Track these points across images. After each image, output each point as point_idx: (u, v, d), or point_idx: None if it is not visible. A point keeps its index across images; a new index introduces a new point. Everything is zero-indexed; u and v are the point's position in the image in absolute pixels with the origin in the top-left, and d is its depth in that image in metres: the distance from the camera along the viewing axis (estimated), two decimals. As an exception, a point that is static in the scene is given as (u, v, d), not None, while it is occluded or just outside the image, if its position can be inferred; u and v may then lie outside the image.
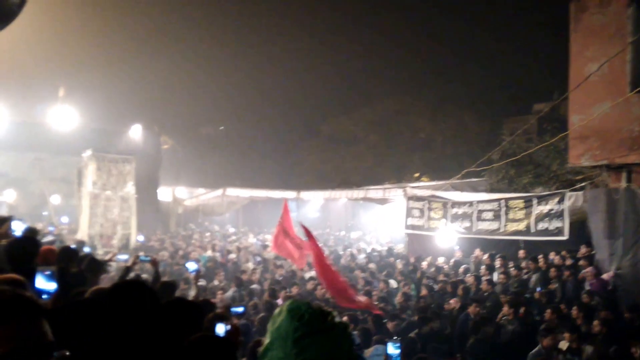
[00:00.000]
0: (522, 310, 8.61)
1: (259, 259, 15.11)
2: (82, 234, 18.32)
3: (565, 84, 11.06)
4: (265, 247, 17.90)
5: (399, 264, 13.80)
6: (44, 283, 3.11)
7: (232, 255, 15.75)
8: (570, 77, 10.60)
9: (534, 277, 10.75)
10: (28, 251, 4.31)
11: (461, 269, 12.60)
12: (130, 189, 19.96)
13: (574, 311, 8.12)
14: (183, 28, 47.53)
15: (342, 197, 21.08)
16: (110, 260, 8.08)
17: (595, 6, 10.29)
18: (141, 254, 8.58)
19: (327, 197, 21.41)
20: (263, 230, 25.58)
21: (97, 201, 18.99)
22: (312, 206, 29.09)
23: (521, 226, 11.73)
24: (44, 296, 3.08)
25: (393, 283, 11.92)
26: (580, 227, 11.18)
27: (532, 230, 11.40)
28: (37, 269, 3.16)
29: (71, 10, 32.75)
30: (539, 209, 11.26)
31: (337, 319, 1.85)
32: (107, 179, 19.40)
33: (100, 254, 10.41)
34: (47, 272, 3.13)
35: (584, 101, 10.09)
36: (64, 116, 21.07)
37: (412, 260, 14.07)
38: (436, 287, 11.04)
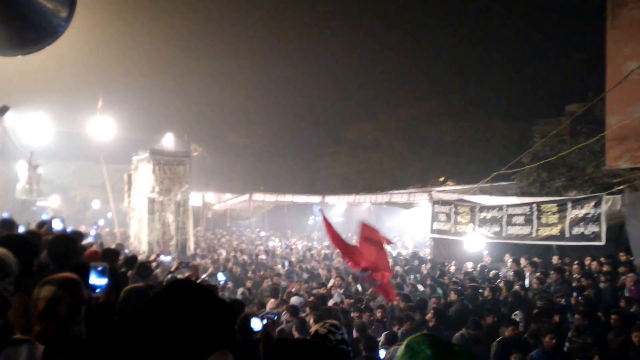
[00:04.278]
0: (556, 317, 8.32)
1: (286, 262, 15.07)
2: (140, 240, 18.04)
3: (600, 83, 10.79)
4: (292, 250, 18.03)
5: (424, 269, 13.58)
6: (96, 279, 3.24)
7: (262, 257, 15.77)
8: (607, 76, 10.30)
9: (554, 285, 10.33)
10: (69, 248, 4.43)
11: (491, 274, 12.30)
12: (185, 192, 18.87)
13: (613, 319, 7.81)
14: (210, 41, 48.00)
15: (366, 201, 20.94)
16: (154, 260, 8.18)
17: (634, 1, 9.98)
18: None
19: (352, 202, 21.27)
20: (287, 234, 25.74)
21: (153, 205, 18.02)
22: (335, 211, 29.08)
23: (554, 231, 11.44)
24: (97, 290, 3.24)
25: (420, 287, 11.74)
26: (617, 232, 10.87)
27: (567, 235, 11.11)
28: (90, 265, 3.27)
29: (107, 29, 33.57)
30: (574, 213, 10.97)
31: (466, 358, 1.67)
32: (162, 181, 18.26)
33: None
34: (100, 268, 3.26)
35: (623, 101, 9.80)
36: (103, 126, 21.46)
37: (444, 265, 13.83)
38: (466, 292, 10.73)
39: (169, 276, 7.03)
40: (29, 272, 3.17)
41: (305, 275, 13.37)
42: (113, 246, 11.95)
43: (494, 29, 42.22)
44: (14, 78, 21.28)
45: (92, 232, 15.00)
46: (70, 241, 4.50)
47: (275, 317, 7.04)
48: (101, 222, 22.28)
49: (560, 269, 10.56)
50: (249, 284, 11.35)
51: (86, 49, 29.63)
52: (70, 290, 2.65)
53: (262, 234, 26.46)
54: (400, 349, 1.72)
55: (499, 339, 7.22)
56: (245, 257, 15.77)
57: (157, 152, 18.48)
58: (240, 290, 10.72)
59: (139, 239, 18.25)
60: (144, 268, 6.71)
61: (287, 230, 28.97)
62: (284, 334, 6.90)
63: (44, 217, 11.43)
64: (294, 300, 9.14)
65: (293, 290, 10.56)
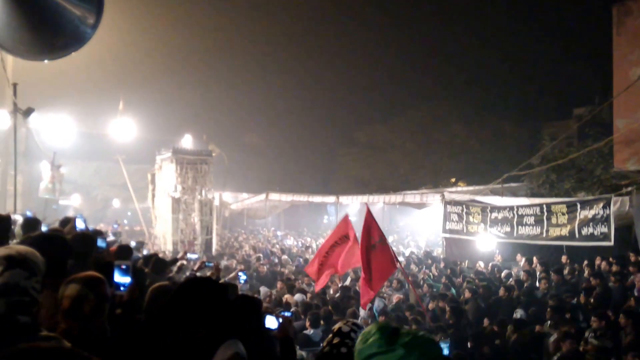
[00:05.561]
0: (567, 316, 8.46)
1: (301, 260, 15.36)
2: (165, 240, 17.98)
3: (606, 87, 10.96)
4: (307, 248, 18.25)
5: (435, 270, 13.80)
6: (120, 277, 3.26)
7: (284, 257, 15.90)
8: (614, 81, 10.47)
9: (555, 287, 10.45)
10: (90, 247, 4.59)
11: (503, 274, 12.50)
12: (209, 191, 18.66)
13: (622, 319, 7.92)
14: (227, 44, 48.52)
15: (379, 201, 21.20)
16: (181, 258, 8.41)
17: (639, 10, 10.16)
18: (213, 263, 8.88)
19: (365, 202, 21.54)
20: (303, 233, 26.06)
21: (177, 205, 17.78)
22: (349, 211, 29.34)
23: (564, 231, 11.58)
24: (121, 288, 3.26)
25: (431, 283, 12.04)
26: (626, 233, 10.98)
27: (577, 235, 11.24)
28: (114, 263, 3.30)
29: (128, 35, 34.09)
30: (583, 214, 11.10)
31: (411, 338, 1.77)
32: (185, 181, 18.04)
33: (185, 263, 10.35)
34: (123, 267, 3.28)
35: (630, 105, 9.98)
36: (123, 128, 21.72)
37: (460, 264, 14.07)
38: (479, 290, 10.91)
39: (188, 273, 7.27)
40: (62, 272, 3.15)
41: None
42: (134, 244, 12.31)
43: (503, 34, 42.34)
44: (38, 81, 21.75)
45: (111, 230, 15.38)
46: (91, 240, 4.64)
47: (292, 316, 7.32)
48: (125, 221, 22.71)
49: (560, 271, 10.72)
50: (280, 285, 11.11)
51: (108, 52, 30.19)
52: (94, 288, 2.67)
53: (278, 233, 26.82)
54: (359, 337, 1.90)
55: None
56: (259, 255, 16.04)
57: (179, 151, 18.32)
58: (262, 290, 10.89)
59: (164, 239, 18.19)
60: (158, 263, 6.73)
61: (303, 229, 29.34)
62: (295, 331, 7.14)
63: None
64: (297, 297, 9.38)
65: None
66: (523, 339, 7.57)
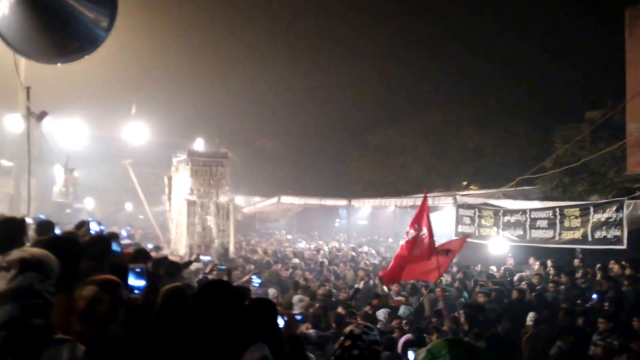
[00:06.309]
0: (580, 320, 8.40)
1: (310, 263, 15.36)
2: (180, 244, 17.82)
3: (618, 90, 10.86)
4: (318, 251, 18.21)
5: (447, 276, 13.73)
6: (134, 280, 3.34)
7: (296, 261, 15.81)
8: (627, 84, 10.39)
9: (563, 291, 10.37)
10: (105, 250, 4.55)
11: (515, 277, 12.44)
12: (225, 194, 18.39)
13: (635, 322, 7.86)
14: (239, 49, 48.81)
15: (391, 204, 21.17)
16: (195, 260, 8.42)
17: (651, 12, 10.07)
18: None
19: (377, 205, 21.56)
20: (315, 236, 26.11)
21: (193, 208, 17.54)
22: (360, 214, 29.39)
23: (577, 235, 11.50)
24: (135, 291, 3.33)
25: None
26: (639, 236, 10.87)
27: (589, 239, 11.17)
28: (129, 267, 3.40)
29: (141, 39, 34.40)
30: (596, 217, 11.02)
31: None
32: (201, 183, 17.75)
33: (200, 267, 10.25)
34: (138, 270, 3.36)
35: (642, 108, 9.88)
36: (137, 131, 21.74)
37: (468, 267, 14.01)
38: (492, 293, 10.83)
39: (200, 276, 7.29)
40: (74, 274, 3.13)
41: (332, 278, 13.54)
42: (151, 246, 12.36)
43: (515, 37, 42.27)
44: (51, 84, 21.93)
45: (124, 233, 15.44)
46: (107, 242, 4.63)
47: (302, 318, 7.28)
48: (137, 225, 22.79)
49: (572, 274, 10.65)
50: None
51: (121, 56, 30.48)
52: (110, 291, 2.71)
53: (289, 236, 26.87)
54: (422, 354, 1.81)
55: None
56: (268, 259, 16.05)
57: (194, 154, 18.04)
58: (270, 292, 10.89)
59: (179, 242, 18.01)
60: (171, 266, 6.65)
61: (314, 232, 29.41)
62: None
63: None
64: (295, 299, 9.37)
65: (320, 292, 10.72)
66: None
